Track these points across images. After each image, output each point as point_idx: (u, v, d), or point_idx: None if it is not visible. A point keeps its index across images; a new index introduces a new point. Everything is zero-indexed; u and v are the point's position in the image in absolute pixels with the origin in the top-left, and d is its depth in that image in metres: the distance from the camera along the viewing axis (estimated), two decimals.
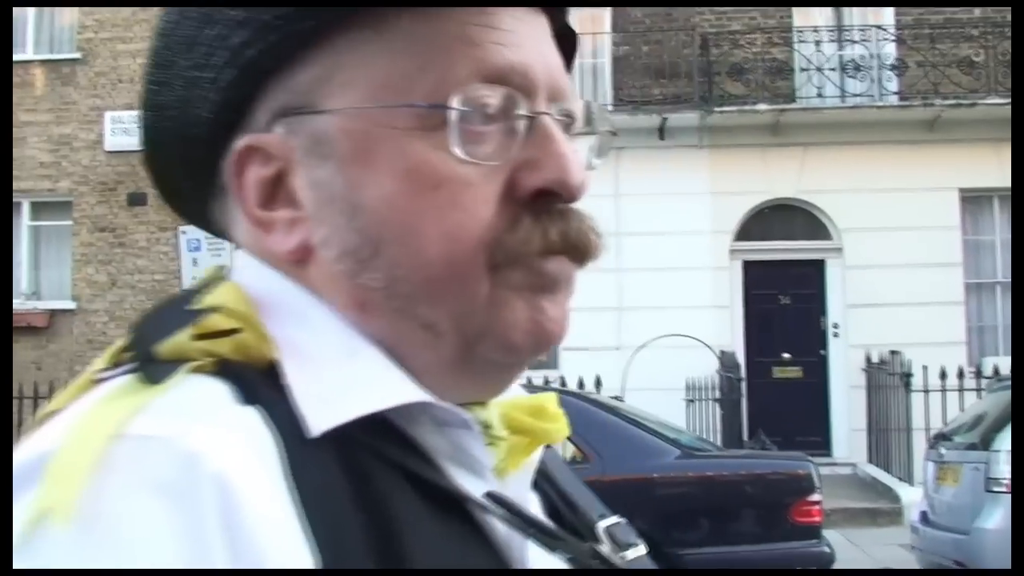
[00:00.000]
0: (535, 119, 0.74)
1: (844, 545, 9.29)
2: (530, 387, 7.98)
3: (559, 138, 0.75)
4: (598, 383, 11.28)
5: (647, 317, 14.04)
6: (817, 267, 14.88)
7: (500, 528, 0.74)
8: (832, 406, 14.67)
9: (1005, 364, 12.65)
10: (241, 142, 0.74)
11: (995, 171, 13.60)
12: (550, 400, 0.83)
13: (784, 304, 14.91)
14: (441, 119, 0.71)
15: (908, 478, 12.28)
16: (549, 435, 0.81)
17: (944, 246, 14.40)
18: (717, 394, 13.10)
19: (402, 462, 0.69)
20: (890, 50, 14.82)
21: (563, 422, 0.83)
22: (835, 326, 14.69)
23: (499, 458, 0.77)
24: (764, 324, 14.78)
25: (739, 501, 7.47)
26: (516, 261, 0.73)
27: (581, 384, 11.27)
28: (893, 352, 13.28)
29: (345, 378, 0.70)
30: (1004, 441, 7.69)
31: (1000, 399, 8.67)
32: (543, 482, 0.85)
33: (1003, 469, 7.58)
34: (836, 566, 7.66)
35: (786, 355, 14.83)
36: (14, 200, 15.04)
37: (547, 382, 10.08)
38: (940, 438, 9.05)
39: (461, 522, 0.72)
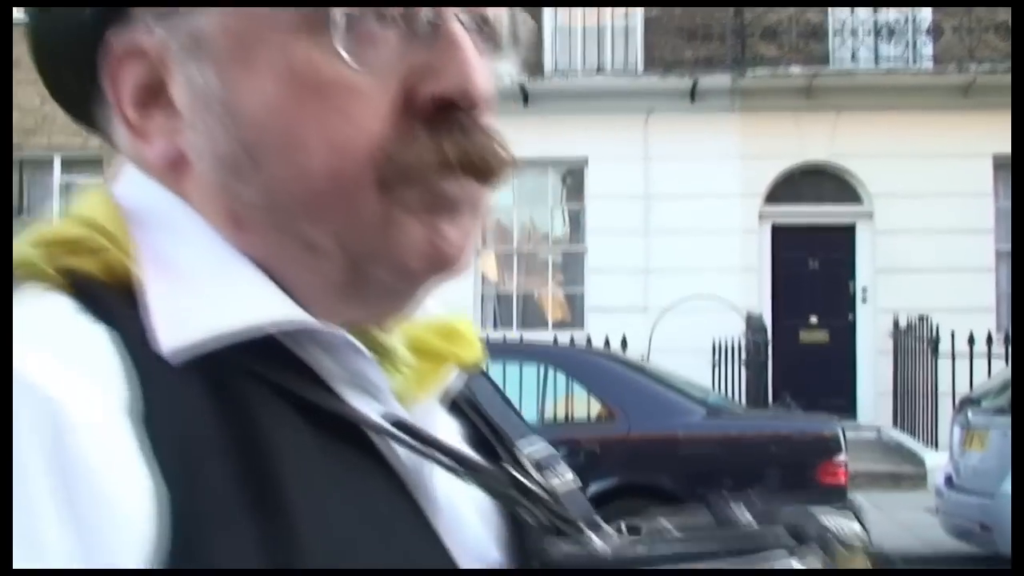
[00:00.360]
0: (440, 24, 0.68)
1: (867, 508, 9.30)
2: (541, 345, 8.01)
3: (464, 44, 0.68)
4: (624, 344, 11.29)
5: (674, 279, 14.03)
6: (847, 232, 14.80)
7: (405, 456, 0.69)
8: (858, 370, 14.65)
9: None
10: (117, 41, 0.69)
11: None
12: (463, 322, 0.78)
13: (812, 268, 14.86)
14: (327, 17, 0.65)
15: (933, 443, 12.26)
16: (460, 359, 0.76)
17: (976, 212, 14.30)
18: (743, 357, 13.10)
19: (287, 387, 0.64)
20: (926, 14, 14.67)
21: (476, 346, 0.78)
22: (863, 291, 14.64)
23: (405, 385, 0.72)
24: (792, 288, 14.74)
25: (764, 461, 7.51)
26: (410, 179, 0.67)
27: (607, 344, 11.29)
28: (921, 317, 13.22)
29: (209, 294, 0.64)
30: None
31: None
32: (470, 412, 0.80)
33: None
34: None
35: (813, 319, 14.80)
36: (47, 156, 15.19)
37: (572, 342, 10.10)
38: (968, 402, 9.04)
39: (359, 450, 0.67)
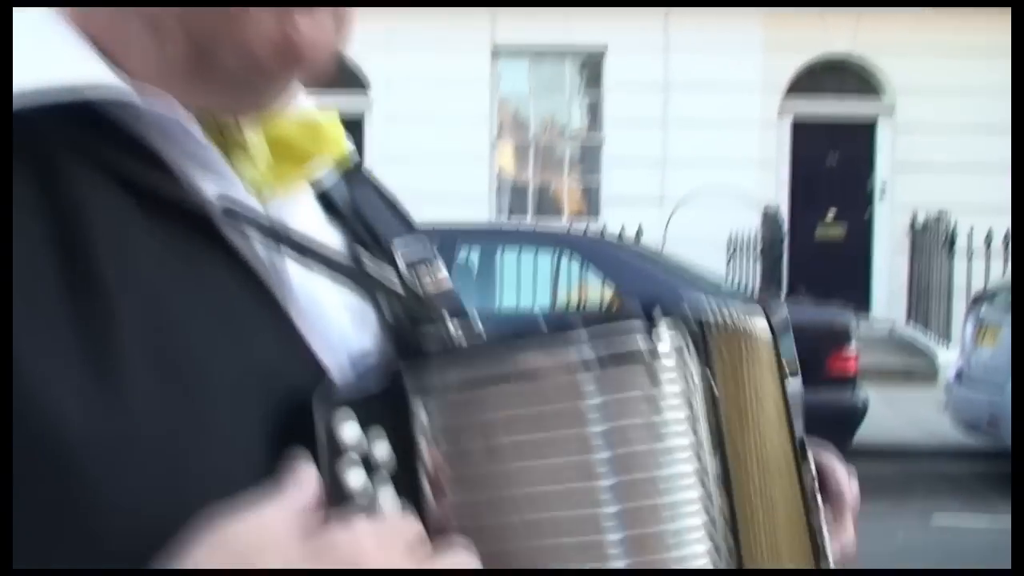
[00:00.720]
0: None
1: (877, 402, 9.35)
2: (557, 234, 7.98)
3: None
4: (639, 235, 11.27)
5: (692, 172, 13.95)
6: (867, 127, 14.67)
7: (262, 253, 0.67)
8: (874, 267, 14.65)
9: None
10: None
11: None
12: (328, 120, 0.77)
13: (831, 164, 14.75)
14: None
15: (946, 340, 12.30)
16: (323, 156, 0.76)
17: (997, 111, 14.11)
18: (758, 251, 13.08)
19: (116, 166, 0.61)
20: None
21: (342, 143, 0.78)
22: (882, 187, 14.55)
23: (262, 179, 0.71)
24: (810, 183, 14.66)
25: None
26: None
27: (621, 236, 11.27)
28: (938, 215, 13.16)
29: (26, 60, 0.60)
30: None
31: None
32: (346, 211, 0.80)
33: None
34: (868, 423, 7.74)
35: (830, 215, 14.74)
36: None
37: (586, 232, 10.09)
38: (982, 298, 9.04)
39: (205, 241, 0.65)
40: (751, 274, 13.10)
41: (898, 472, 8.80)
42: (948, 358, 11.01)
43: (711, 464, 0.67)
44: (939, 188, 13.72)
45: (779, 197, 14.34)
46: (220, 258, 0.66)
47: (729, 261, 13.34)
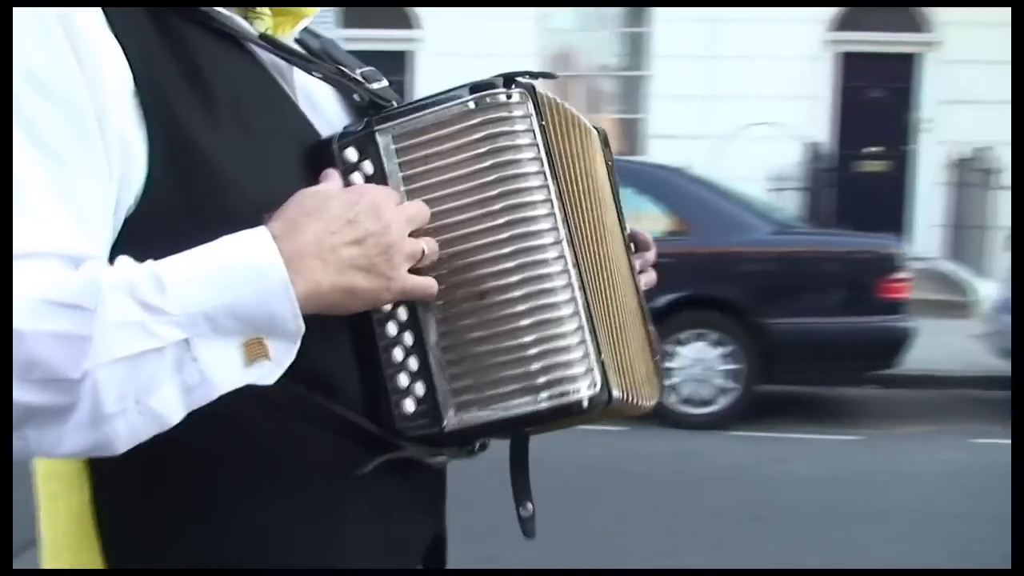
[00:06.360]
0: None
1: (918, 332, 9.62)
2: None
3: None
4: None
5: (736, 106, 14.10)
6: (912, 60, 14.72)
7: (271, 62, 1.14)
8: (916, 201, 14.78)
9: None
10: None
11: None
12: None
13: (875, 97, 14.85)
14: None
15: (985, 274, 12.50)
16: (302, 11, 1.19)
17: None
18: (803, 185, 13.26)
19: (196, 17, 1.06)
20: None
21: (314, 9, 1.20)
22: (927, 121, 14.63)
23: (268, 27, 1.16)
24: (854, 117, 14.76)
25: (829, 275, 7.81)
26: None
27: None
28: (979, 150, 13.29)
29: None
30: None
31: None
32: (322, 52, 1.25)
33: None
34: (911, 352, 8.02)
35: (873, 148, 14.87)
36: None
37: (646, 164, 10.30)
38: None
39: (241, 52, 1.11)
40: (796, 209, 13.30)
41: (939, 398, 9.11)
42: (986, 292, 11.24)
43: (552, 185, 1.12)
44: (984, 123, 13.78)
45: (823, 130, 14.49)
46: (250, 61, 1.12)
47: (775, 195, 13.54)
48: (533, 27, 14.84)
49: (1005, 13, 13.81)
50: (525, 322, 1.09)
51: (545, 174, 1.12)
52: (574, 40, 15.43)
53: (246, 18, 1.13)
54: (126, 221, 1.00)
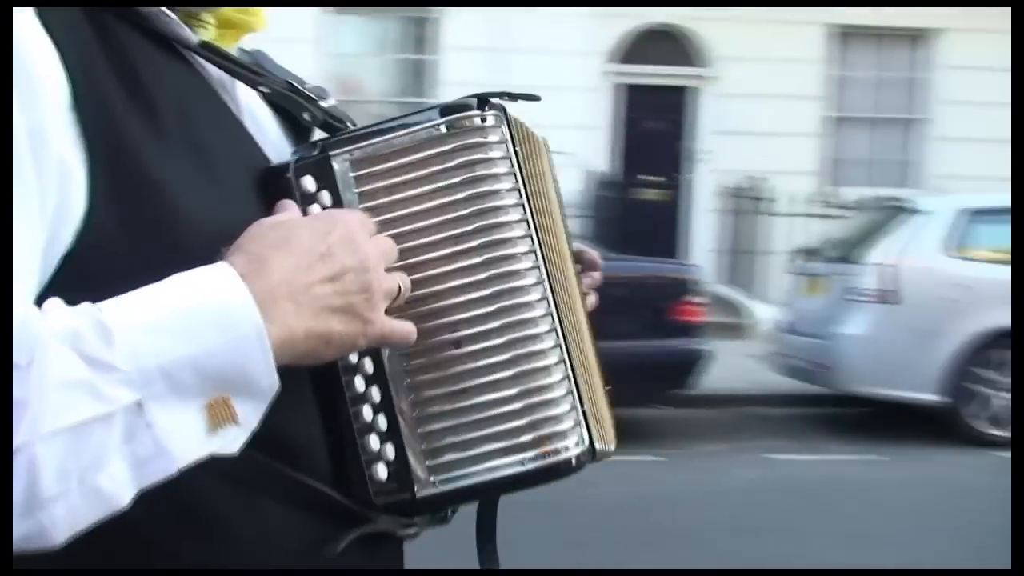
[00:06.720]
0: None
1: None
2: None
3: None
4: None
5: None
6: (688, 93, 15.22)
7: (212, 71, 1.00)
8: (693, 228, 15.25)
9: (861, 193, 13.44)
10: None
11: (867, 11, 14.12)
12: (251, 9, 1.07)
13: (655, 128, 15.26)
14: None
15: (758, 296, 13.02)
16: (250, 24, 1.06)
17: (806, 79, 14.90)
18: (586, 211, 13.46)
19: (134, 19, 0.92)
20: None
21: (262, 16, 1.07)
22: (706, 152, 15.09)
23: (213, 38, 1.01)
24: (634, 146, 15.14)
25: (627, 300, 7.93)
26: None
27: None
28: (753, 178, 13.86)
29: None
30: (869, 256, 8.43)
31: (867, 220, 9.47)
32: (266, 75, 1.11)
33: (866, 280, 8.28)
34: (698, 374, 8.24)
35: (652, 177, 15.27)
36: None
37: None
38: (808, 252, 9.73)
39: (183, 63, 0.96)
40: (582, 233, 13.49)
41: (730, 416, 9.39)
42: (763, 314, 11.72)
43: (531, 218, 1.02)
44: (754, 153, 14.38)
45: (604, 160, 14.79)
46: (201, 81, 0.98)
47: None
48: (313, 51, 14.60)
49: (780, 48, 14.51)
50: (508, 373, 0.98)
51: (524, 206, 1.02)
52: (355, 65, 15.22)
53: (189, 26, 0.98)
54: (63, 258, 0.83)
